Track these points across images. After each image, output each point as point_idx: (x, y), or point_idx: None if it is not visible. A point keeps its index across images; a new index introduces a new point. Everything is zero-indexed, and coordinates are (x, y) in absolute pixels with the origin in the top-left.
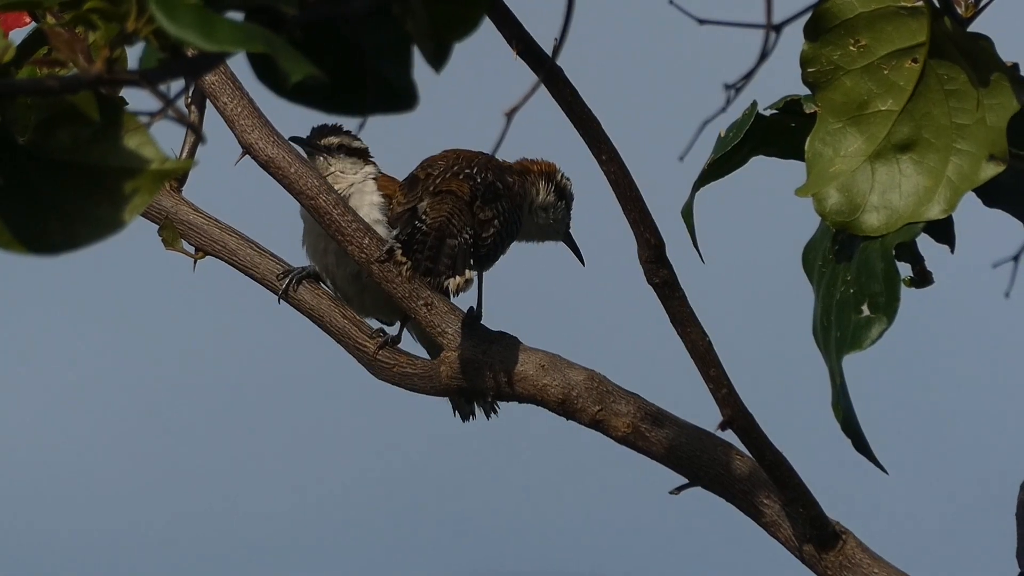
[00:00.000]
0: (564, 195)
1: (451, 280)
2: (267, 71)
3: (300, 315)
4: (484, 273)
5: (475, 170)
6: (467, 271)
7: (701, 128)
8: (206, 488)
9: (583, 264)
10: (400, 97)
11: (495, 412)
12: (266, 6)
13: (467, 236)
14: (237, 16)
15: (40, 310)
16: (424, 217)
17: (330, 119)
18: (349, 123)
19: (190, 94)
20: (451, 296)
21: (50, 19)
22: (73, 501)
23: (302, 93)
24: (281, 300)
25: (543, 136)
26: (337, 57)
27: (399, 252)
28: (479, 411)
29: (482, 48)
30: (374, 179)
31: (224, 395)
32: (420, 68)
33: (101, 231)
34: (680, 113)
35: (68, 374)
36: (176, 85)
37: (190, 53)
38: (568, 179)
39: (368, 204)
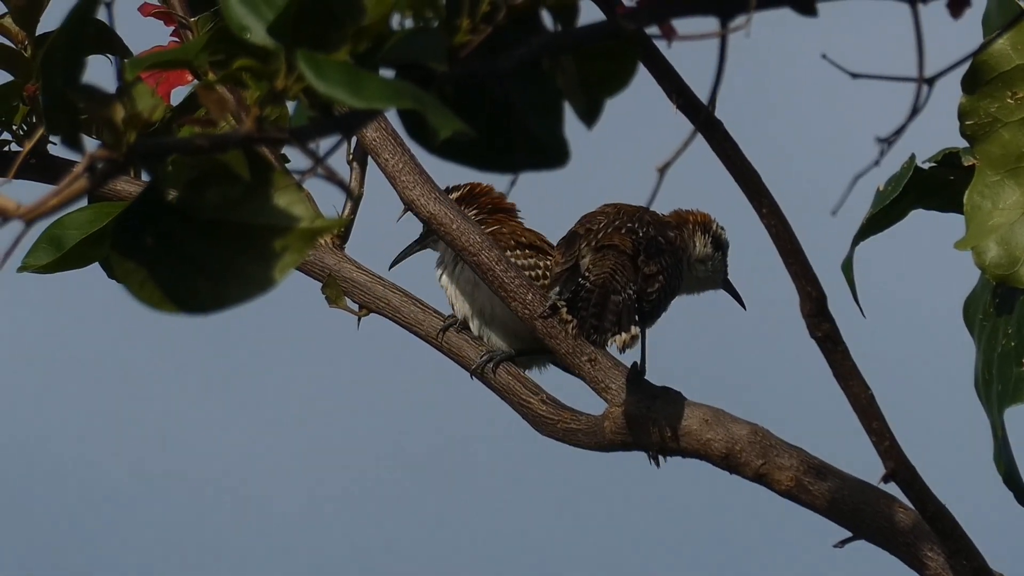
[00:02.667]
0: (721, 244)
1: (617, 337)
2: (418, 127)
3: (463, 371)
4: (647, 328)
5: (637, 224)
6: (632, 327)
7: (854, 182)
8: (365, 541)
9: (744, 308)
10: (551, 153)
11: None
12: (416, 63)
13: (631, 292)
14: (387, 73)
15: (203, 365)
16: (587, 274)
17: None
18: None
19: (351, 151)
20: (620, 352)
21: (211, 77)
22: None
23: (452, 149)
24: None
25: (699, 188)
26: (487, 113)
27: (564, 310)
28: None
29: (634, 101)
30: None
31: (388, 451)
32: (572, 123)
33: (251, 290)
34: (833, 166)
35: (235, 434)
36: (328, 142)
37: (341, 110)
38: (723, 228)
39: None
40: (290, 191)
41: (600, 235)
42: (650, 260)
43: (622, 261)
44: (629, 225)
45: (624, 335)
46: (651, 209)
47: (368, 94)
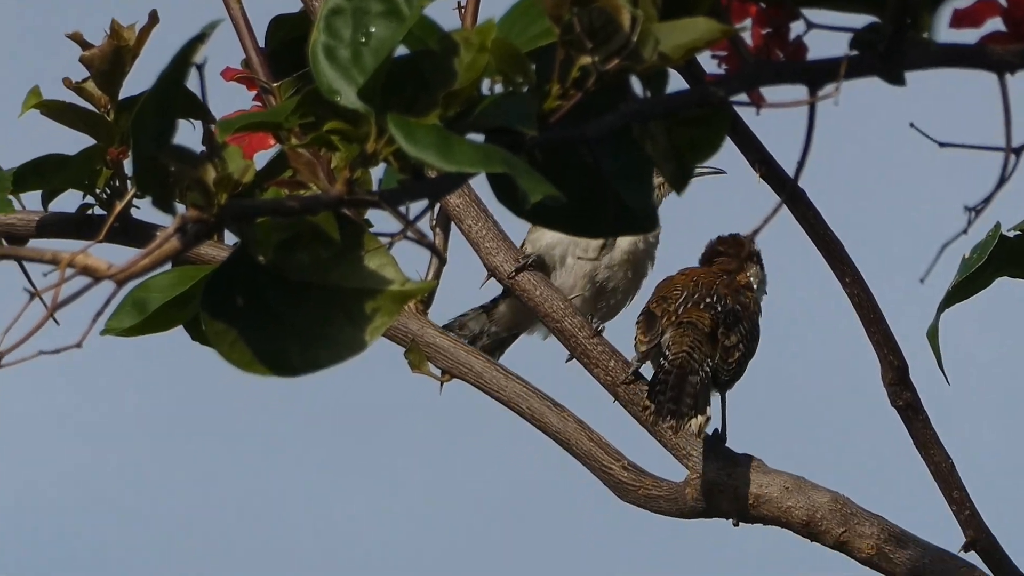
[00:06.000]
0: (761, 259)
1: (694, 420)
2: (507, 192)
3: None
4: (727, 393)
5: (715, 298)
6: (708, 409)
7: (942, 250)
8: None
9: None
10: (640, 219)
11: None
12: (506, 128)
13: (707, 370)
14: (477, 138)
15: (279, 427)
16: (667, 352)
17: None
18: None
19: (434, 217)
20: (697, 435)
21: (293, 141)
22: None
23: (542, 214)
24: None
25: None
26: (576, 178)
27: (645, 397)
28: None
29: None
30: None
31: (467, 517)
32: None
33: (342, 353)
34: (921, 235)
35: (316, 496)
36: (417, 206)
37: (430, 174)
38: (752, 242)
39: None
40: (380, 254)
41: (680, 310)
42: (729, 331)
43: (699, 337)
44: (708, 300)
45: (701, 418)
46: (732, 275)
47: (459, 158)
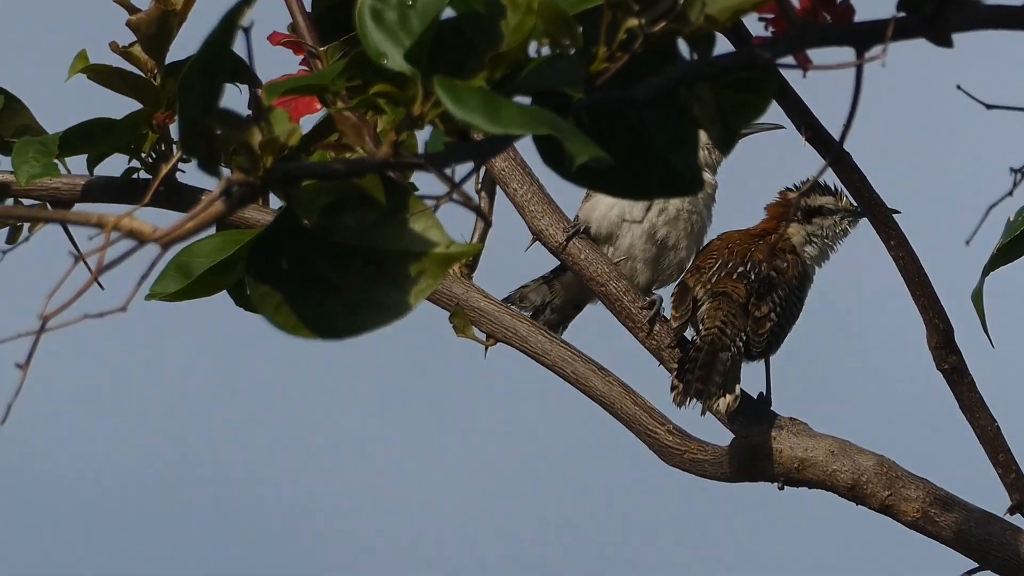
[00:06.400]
0: (817, 211)
1: (721, 400)
2: (553, 154)
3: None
4: (772, 356)
5: (748, 267)
6: (737, 387)
7: (987, 212)
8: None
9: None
10: (685, 181)
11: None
12: (552, 90)
13: (739, 344)
14: (523, 100)
15: (327, 395)
16: (700, 327)
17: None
18: None
19: (480, 180)
20: (725, 416)
21: (340, 105)
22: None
23: (588, 175)
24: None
25: None
26: (622, 140)
27: (675, 376)
28: None
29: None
30: None
31: (512, 479)
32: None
33: (386, 316)
34: (966, 198)
35: (364, 464)
36: (463, 169)
37: (476, 137)
38: (805, 196)
39: None
40: (425, 216)
41: (715, 279)
42: (761, 302)
43: (733, 310)
44: (741, 269)
45: (729, 397)
46: (767, 237)
47: (505, 120)
